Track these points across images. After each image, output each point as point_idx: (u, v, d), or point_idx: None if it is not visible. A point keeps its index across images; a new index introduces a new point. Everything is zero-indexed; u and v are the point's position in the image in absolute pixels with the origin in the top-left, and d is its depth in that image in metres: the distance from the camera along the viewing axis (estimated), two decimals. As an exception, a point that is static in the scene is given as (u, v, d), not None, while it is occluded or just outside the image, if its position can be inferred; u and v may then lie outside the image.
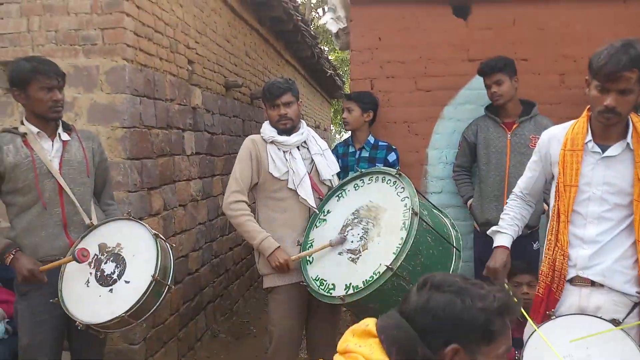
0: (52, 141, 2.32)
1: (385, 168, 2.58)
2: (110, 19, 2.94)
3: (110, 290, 2.17)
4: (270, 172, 2.61)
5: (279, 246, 2.54)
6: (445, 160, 3.55)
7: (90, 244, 2.27)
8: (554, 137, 2.03)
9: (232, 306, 4.85)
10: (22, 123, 2.31)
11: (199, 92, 4.06)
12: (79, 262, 2.17)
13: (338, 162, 2.98)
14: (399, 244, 2.15)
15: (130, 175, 3.02)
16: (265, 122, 2.76)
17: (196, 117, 4.03)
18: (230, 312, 4.76)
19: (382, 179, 2.50)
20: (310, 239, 2.58)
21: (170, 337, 3.54)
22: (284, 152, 2.66)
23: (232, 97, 4.93)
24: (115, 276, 2.18)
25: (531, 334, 1.86)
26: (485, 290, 1.10)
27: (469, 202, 3.25)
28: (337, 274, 2.36)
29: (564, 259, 1.94)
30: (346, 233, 2.43)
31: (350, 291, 2.22)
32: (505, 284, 2.05)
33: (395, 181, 2.42)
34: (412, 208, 2.20)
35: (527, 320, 1.87)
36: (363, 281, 2.20)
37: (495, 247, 2.15)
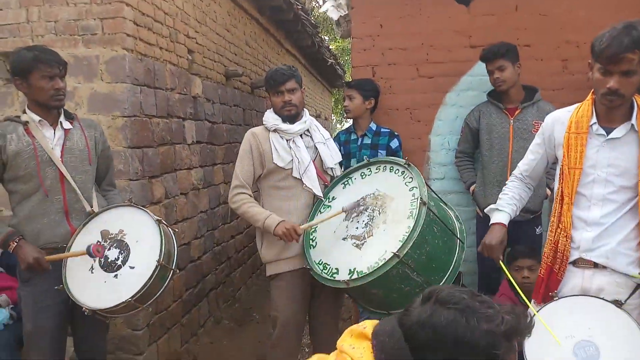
0: (54, 129, 2.33)
1: (393, 158, 2.57)
2: (110, 9, 2.93)
3: (115, 276, 2.18)
4: (275, 162, 2.61)
5: (283, 220, 2.53)
6: (448, 146, 3.54)
7: (93, 230, 2.28)
8: (558, 120, 2.02)
9: (234, 293, 4.87)
10: (23, 112, 2.32)
11: (199, 82, 4.06)
12: (92, 257, 2.18)
13: (340, 149, 2.98)
14: (406, 232, 2.16)
15: (132, 164, 3.02)
16: (268, 110, 2.75)
17: (196, 106, 4.03)
18: (232, 299, 4.79)
19: (390, 169, 2.50)
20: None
21: (173, 323, 3.56)
22: (287, 140, 2.65)
23: (233, 87, 4.92)
24: (119, 262, 2.20)
25: (531, 318, 1.86)
26: (493, 310, 1.04)
27: (472, 188, 3.24)
28: (341, 259, 2.37)
29: (566, 240, 1.95)
30: (355, 214, 2.44)
31: (355, 276, 2.23)
32: (500, 262, 2.06)
33: (404, 171, 2.43)
34: (421, 197, 2.20)
35: (528, 303, 1.88)
36: (368, 267, 2.20)
37: (492, 224, 2.16)
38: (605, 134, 1.90)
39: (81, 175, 2.36)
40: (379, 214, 2.37)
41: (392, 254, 2.10)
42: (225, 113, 4.70)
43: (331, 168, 2.76)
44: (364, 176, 2.60)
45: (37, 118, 2.28)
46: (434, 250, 2.20)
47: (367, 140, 3.27)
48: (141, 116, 3.14)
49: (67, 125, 2.36)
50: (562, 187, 1.97)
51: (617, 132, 1.88)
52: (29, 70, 2.20)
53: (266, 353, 2.86)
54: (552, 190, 2.13)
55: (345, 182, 2.65)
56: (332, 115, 15.75)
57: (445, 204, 2.52)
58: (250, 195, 2.64)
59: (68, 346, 2.50)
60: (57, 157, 2.28)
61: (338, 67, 10.55)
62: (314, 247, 2.52)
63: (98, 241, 2.22)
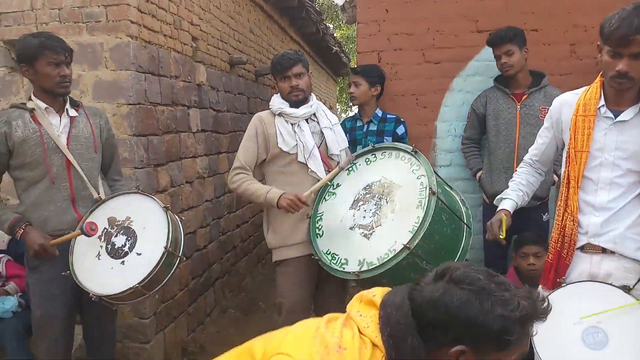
0: (60, 117, 2.33)
1: (400, 144, 2.54)
2: (114, -4, 2.91)
3: (122, 263, 2.19)
4: (280, 147, 2.60)
5: (284, 192, 2.51)
6: (454, 132, 3.52)
7: (99, 217, 2.28)
8: (566, 103, 2.00)
9: (240, 282, 4.89)
10: (29, 99, 2.31)
11: (203, 69, 4.04)
12: (88, 236, 2.19)
13: (346, 136, 2.96)
14: (416, 222, 2.14)
15: (137, 152, 3.02)
16: (275, 95, 2.73)
17: (201, 94, 4.01)
18: (238, 289, 4.81)
19: (397, 155, 2.47)
20: (319, 212, 2.58)
21: (180, 312, 3.58)
22: (292, 124, 2.64)
23: (237, 74, 4.90)
24: (126, 249, 2.20)
25: (548, 302, 1.86)
26: (509, 293, 0.99)
27: (478, 174, 3.23)
28: (349, 249, 2.35)
29: (573, 224, 1.93)
30: (358, 207, 2.43)
31: (365, 267, 2.21)
32: (500, 236, 2.05)
33: (411, 158, 2.40)
34: (430, 187, 2.18)
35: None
36: (378, 257, 2.19)
37: (497, 211, 2.17)
38: (613, 116, 1.87)
39: (87, 163, 2.36)
40: (387, 202, 2.35)
41: (403, 245, 2.09)
42: (229, 101, 4.68)
43: (337, 154, 2.74)
44: (368, 162, 2.58)
45: (43, 105, 2.28)
46: (442, 239, 2.19)
47: (373, 127, 3.25)
48: (146, 104, 3.13)
49: (72, 112, 2.35)
50: (568, 170, 1.95)
51: (625, 115, 1.86)
52: (35, 57, 2.19)
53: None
54: (559, 176, 2.12)
55: (350, 168, 2.63)
56: (337, 104, 15.68)
57: (451, 188, 2.50)
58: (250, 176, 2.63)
59: (76, 333, 2.52)
60: (63, 144, 2.28)
61: (343, 55, 10.46)
62: (320, 236, 2.50)
63: (91, 221, 2.22)
